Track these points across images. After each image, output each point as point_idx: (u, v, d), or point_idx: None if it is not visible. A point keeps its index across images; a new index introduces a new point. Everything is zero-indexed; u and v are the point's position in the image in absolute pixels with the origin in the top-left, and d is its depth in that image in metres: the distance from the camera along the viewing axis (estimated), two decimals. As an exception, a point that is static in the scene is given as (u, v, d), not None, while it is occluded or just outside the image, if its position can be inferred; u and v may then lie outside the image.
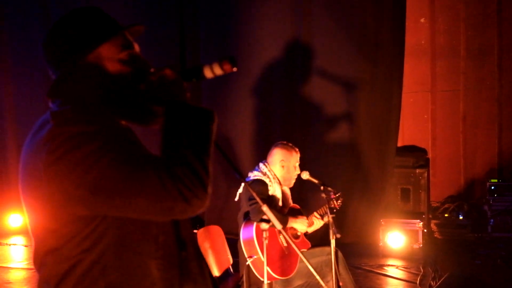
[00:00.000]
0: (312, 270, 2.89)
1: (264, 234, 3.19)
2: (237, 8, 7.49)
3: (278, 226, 2.79)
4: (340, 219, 7.02)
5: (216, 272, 4.30)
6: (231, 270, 4.56)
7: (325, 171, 7.10)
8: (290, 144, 4.55)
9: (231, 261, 4.56)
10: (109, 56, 1.72)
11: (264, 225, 3.13)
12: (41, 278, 1.71)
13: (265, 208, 2.83)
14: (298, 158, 4.51)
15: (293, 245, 2.88)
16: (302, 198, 6.78)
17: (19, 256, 6.87)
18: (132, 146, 1.69)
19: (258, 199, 2.90)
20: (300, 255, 2.90)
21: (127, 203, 1.52)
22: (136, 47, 1.81)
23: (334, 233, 3.75)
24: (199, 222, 7.54)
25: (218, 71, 1.75)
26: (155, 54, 7.70)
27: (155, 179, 1.51)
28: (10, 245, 7.27)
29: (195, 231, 4.49)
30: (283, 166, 4.40)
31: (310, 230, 4.47)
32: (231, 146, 7.55)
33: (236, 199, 4.47)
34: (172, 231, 1.76)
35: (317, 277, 2.89)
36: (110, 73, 1.71)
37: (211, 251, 4.35)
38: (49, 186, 1.55)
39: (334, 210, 4.19)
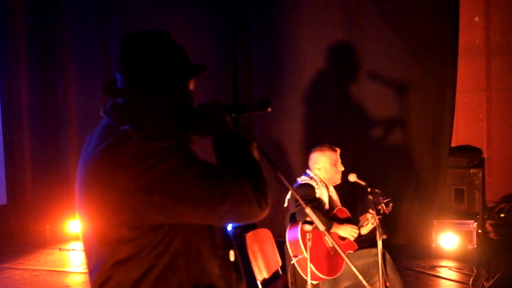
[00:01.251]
0: (355, 271, 2.93)
1: (308, 236, 3.25)
2: (288, 12, 7.57)
3: (321, 227, 2.84)
4: (393, 220, 7.03)
5: (265, 274, 4.39)
6: (280, 272, 4.64)
7: (378, 172, 7.11)
8: (325, 145, 4.57)
9: (280, 263, 4.63)
10: (190, 86, 1.94)
11: (308, 227, 3.20)
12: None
13: (308, 210, 2.89)
14: (337, 155, 4.52)
15: (337, 247, 2.93)
16: (353, 201, 6.82)
17: (77, 261, 7.10)
18: (202, 159, 1.83)
19: (301, 201, 2.98)
20: (344, 256, 2.95)
21: (211, 211, 1.69)
22: None
23: (380, 235, 3.78)
24: (251, 226, 7.65)
25: (255, 110, 2.01)
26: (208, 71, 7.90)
27: (237, 187, 1.69)
28: (69, 250, 7.52)
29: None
30: (319, 169, 4.45)
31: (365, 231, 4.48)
32: (283, 151, 7.62)
33: (285, 205, 4.54)
34: (223, 234, 1.92)
35: (361, 278, 2.93)
36: (187, 99, 1.92)
37: (260, 253, 4.44)
38: (132, 197, 1.67)
39: (381, 212, 4.20)
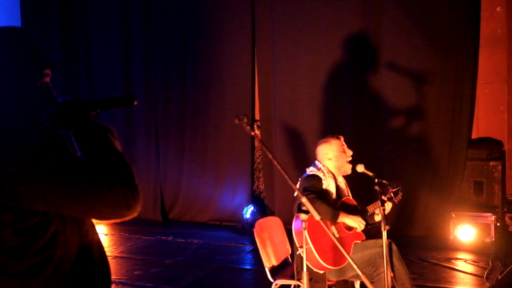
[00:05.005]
0: (352, 263, 2.97)
1: (304, 225, 3.30)
2: (306, 3, 7.58)
3: (317, 216, 2.89)
4: (410, 211, 7.03)
5: (274, 261, 4.45)
6: (290, 259, 4.69)
7: (395, 163, 7.11)
8: (329, 135, 4.61)
9: (290, 251, 4.69)
10: (46, 79, 1.95)
11: (303, 216, 3.25)
12: None
13: (304, 199, 2.96)
14: (342, 141, 4.55)
15: (335, 240, 2.99)
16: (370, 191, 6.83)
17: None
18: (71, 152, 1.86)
19: (298, 192, 3.05)
20: (340, 247, 3.00)
21: (88, 210, 1.77)
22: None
23: (384, 225, 3.81)
24: (271, 213, 7.74)
25: (120, 105, 2.01)
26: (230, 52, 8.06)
27: (108, 188, 1.73)
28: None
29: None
30: (330, 159, 4.49)
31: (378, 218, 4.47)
32: (300, 140, 7.67)
33: (295, 194, 4.58)
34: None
35: (358, 270, 2.98)
36: (44, 91, 1.94)
37: (269, 241, 4.50)
38: (18, 186, 1.69)
39: (385, 203, 4.23)
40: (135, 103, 1.99)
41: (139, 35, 8.61)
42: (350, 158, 4.56)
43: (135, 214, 1.79)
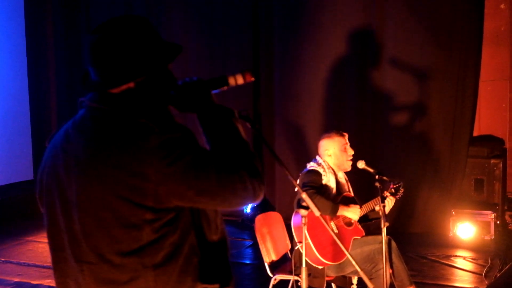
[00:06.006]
0: (351, 259, 2.98)
1: (303, 220, 3.31)
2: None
3: (316, 212, 2.89)
4: (410, 208, 7.03)
5: (273, 257, 4.46)
6: (289, 255, 4.69)
7: (396, 159, 7.11)
8: (333, 131, 4.58)
9: (290, 246, 4.69)
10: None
11: (303, 212, 3.26)
12: None
13: (304, 195, 2.95)
14: (345, 140, 4.53)
15: (332, 233, 2.98)
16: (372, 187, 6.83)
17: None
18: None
19: (298, 187, 3.03)
20: (339, 242, 3.00)
21: (223, 201, 1.80)
22: None
23: (384, 222, 3.81)
24: (271, 208, 7.73)
25: (240, 80, 2.00)
26: (229, 42, 8.03)
27: (238, 179, 1.75)
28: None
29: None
30: (329, 155, 4.48)
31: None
32: (302, 134, 7.66)
33: (296, 189, 4.58)
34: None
35: (356, 266, 2.98)
36: (173, 79, 1.95)
37: (269, 236, 4.51)
38: (158, 187, 1.72)
39: (385, 200, 4.22)
40: (253, 78, 1.97)
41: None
42: (351, 158, 4.55)
43: (256, 201, 1.83)
